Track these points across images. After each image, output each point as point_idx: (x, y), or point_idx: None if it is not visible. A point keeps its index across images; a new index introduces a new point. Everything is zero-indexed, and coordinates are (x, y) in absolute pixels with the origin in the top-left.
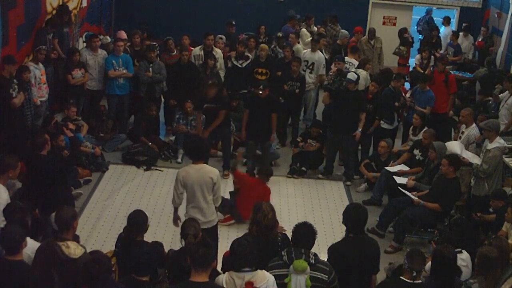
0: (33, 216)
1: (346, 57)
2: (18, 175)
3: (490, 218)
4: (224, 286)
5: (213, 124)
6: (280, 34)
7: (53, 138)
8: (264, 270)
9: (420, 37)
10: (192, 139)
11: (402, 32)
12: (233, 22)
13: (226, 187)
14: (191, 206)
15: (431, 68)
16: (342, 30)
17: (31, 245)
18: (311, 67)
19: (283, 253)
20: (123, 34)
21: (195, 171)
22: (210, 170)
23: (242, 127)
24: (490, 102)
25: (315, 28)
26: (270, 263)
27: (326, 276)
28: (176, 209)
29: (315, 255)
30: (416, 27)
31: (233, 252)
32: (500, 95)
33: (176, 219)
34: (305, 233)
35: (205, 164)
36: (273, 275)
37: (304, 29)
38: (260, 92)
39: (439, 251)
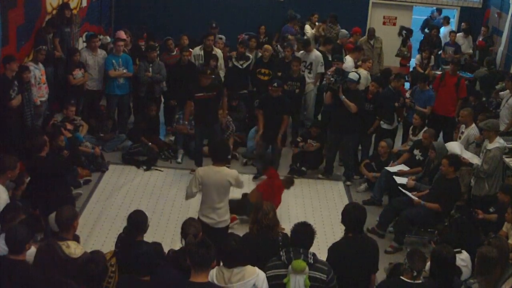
0: (33, 216)
1: (347, 57)
2: (15, 176)
3: (492, 218)
4: (214, 279)
5: (223, 111)
6: (290, 37)
7: (53, 138)
8: (255, 267)
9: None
10: (218, 141)
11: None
12: (214, 24)
13: None
14: (206, 206)
15: (431, 68)
16: (342, 30)
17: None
18: (309, 67)
19: (281, 253)
20: (122, 34)
21: (214, 173)
22: (228, 173)
23: (259, 128)
24: (491, 100)
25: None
26: (268, 263)
27: (325, 276)
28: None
29: (314, 254)
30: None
31: (222, 252)
32: (500, 93)
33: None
34: (304, 232)
35: (224, 167)
36: (272, 275)
37: (308, 26)
38: (274, 88)
39: (438, 251)
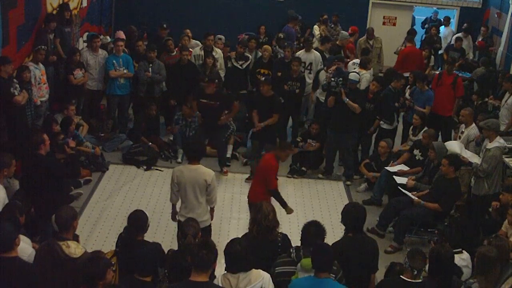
0: (30, 216)
1: (355, 60)
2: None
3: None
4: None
5: (231, 114)
6: (281, 35)
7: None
8: (259, 269)
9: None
10: (191, 140)
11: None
12: (165, 25)
13: (227, 186)
14: (184, 205)
15: (431, 68)
16: (342, 32)
17: (25, 250)
18: (309, 67)
19: (291, 250)
20: (122, 34)
21: (189, 171)
22: (204, 172)
23: (253, 125)
24: (487, 101)
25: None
26: (278, 260)
27: (333, 275)
28: (174, 205)
29: None
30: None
31: (227, 256)
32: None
33: (174, 214)
34: (314, 232)
35: (200, 165)
36: (281, 271)
37: (316, 26)
38: (264, 83)
39: (436, 250)
